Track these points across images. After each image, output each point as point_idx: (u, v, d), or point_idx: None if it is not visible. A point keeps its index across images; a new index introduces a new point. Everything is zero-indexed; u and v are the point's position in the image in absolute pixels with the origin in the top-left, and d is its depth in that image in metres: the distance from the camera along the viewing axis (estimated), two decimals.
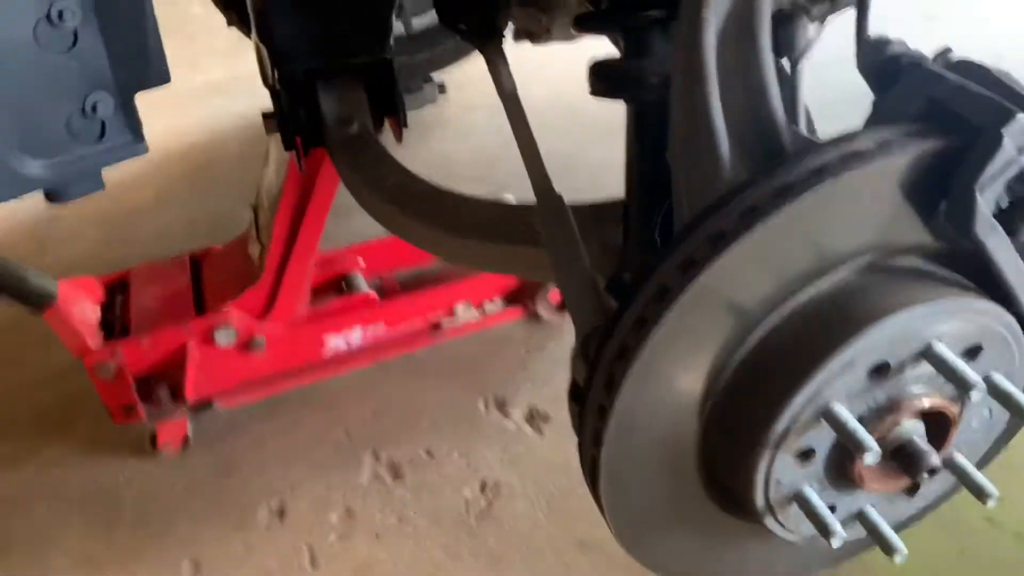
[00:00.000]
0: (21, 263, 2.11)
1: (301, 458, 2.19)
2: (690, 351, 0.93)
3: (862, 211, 0.90)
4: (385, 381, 2.40)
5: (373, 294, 2.43)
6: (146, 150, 1.11)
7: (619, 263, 1.37)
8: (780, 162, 0.91)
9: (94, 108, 1.05)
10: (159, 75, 1.08)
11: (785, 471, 0.97)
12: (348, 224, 3.14)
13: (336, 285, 2.52)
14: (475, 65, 2.75)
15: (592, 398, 0.98)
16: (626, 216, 1.34)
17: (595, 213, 1.39)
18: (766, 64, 0.99)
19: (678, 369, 0.94)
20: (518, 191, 3.25)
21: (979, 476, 1.00)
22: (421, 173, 1.54)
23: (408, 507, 2.04)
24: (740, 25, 0.99)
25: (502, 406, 2.29)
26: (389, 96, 1.46)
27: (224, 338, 2.22)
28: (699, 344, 0.93)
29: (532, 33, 1.92)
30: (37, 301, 2.13)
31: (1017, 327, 0.98)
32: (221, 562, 1.96)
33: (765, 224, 0.87)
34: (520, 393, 2.32)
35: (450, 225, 1.38)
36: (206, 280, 2.42)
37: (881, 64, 1.00)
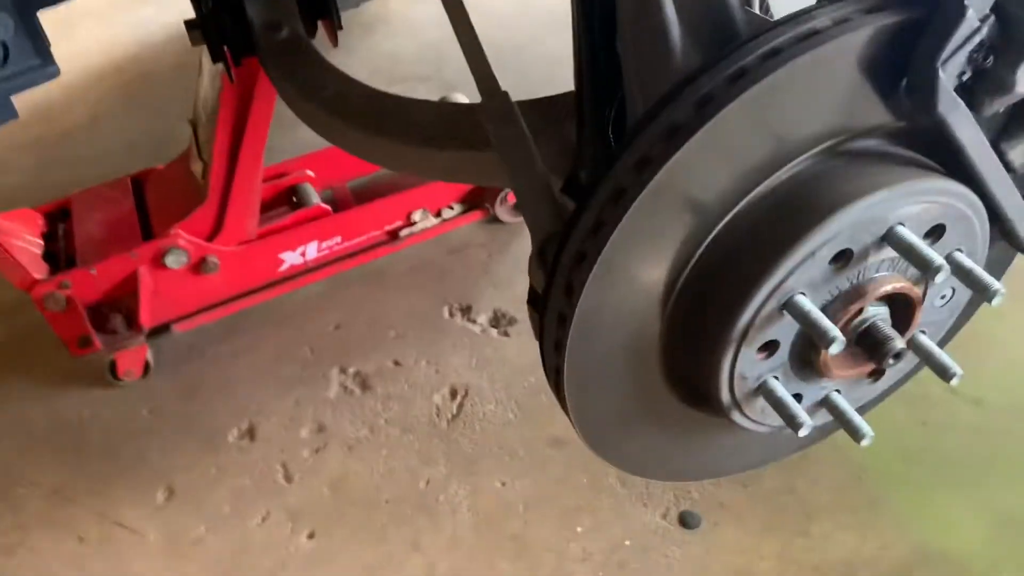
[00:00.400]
0: None
1: (267, 377, 2.17)
2: (649, 253, 0.90)
3: (821, 94, 0.86)
4: (346, 293, 2.36)
5: (326, 207, 2.36)
6: (57, 73, 1.03)
7: (575, 161, 1.32)
8: (734, 47, 0.86)
9: None
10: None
11: (750, 365, 0.96)
12: (294, 134, 3.03)
13: (287, 198, 2.44)
14: None
15: (552, 306, 0.96)
16: (579, 110, 1.28)
17: (546, 109, 1.33)
18: None
19: (638, 272, 0.91)
20: (469, 89, 3.14)
21: (943, 356, 0.99)
22: (364, 75, 1.46)
23: (379, 417, 2.04)
24: None
25: (467, 311, 2.27)
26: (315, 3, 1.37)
27: (175, 261, 2.16)
28: (658, 245, 0.90)
29: None
30: None
31: (979, 203, 0.96)
32: (195, 485, 1.96)
33: (721, 114, 0.83)
34: (484, 297, 2.30)
35: (395, 133, 1.31)
36: (150, 202, 2.33)
37: None
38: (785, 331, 0.94)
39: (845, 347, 0.94)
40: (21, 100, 1.11)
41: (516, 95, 1.25)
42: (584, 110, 1.26)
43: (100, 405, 2.15)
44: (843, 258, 0.91)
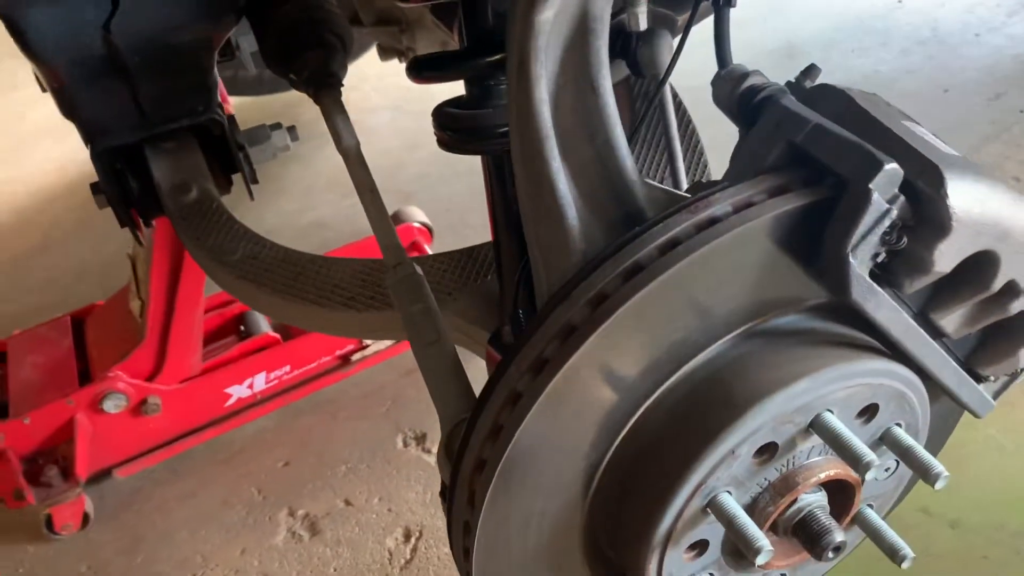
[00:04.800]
0: None
1: (212, 523, 2.05)
2: (554, 455, 0.82)
3: (724, 282, 0.80)
4: (296, 425, 2.26)
5: (275, 335, 2.28)
6: None
7: (499, 315, 1.26)
8: (630, 236, 0.80)
9: None
10: None
11: (678, 566, 0.87)
12: (260, 224, 3.00)
13: (234, 327, 2.37)
14: (370, 64, 2.57)
15: (456, 511, 0.87)
16: (498, 264, 1.22)
17: (466, 262, 1.27)
18: (609, 115, 0.87)
19: (542, 477, 0.83)
20: (423, 198, 3.13)
21: (891, 534, 0.91)
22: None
23: (328, 566, 1.92)
24: (577, 76, 0.87)
25: (421, 440, 2.18)
26: (227, 155, 1.31)
27: (113, 406, 2.07)
28: (565, 445, 0.82)
29: (398, 51, 1.78)
30: None
31: (914, 377, 0.89)
32: None
33: (616, 315, 0.76)
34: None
35: (310, 295, 1.25)
36: (90, 341, 2.25)
37: (738, 99, 0.89)
38: (714, 529, 0.86)
39: (780, 541, 0.86)
40: None
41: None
42: (502, 264, 1.20)
43: (35, 562, 2.03)
44: (768, 451, 0.83)
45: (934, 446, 1.07)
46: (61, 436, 2.07)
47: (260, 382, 2.25)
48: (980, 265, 0.82)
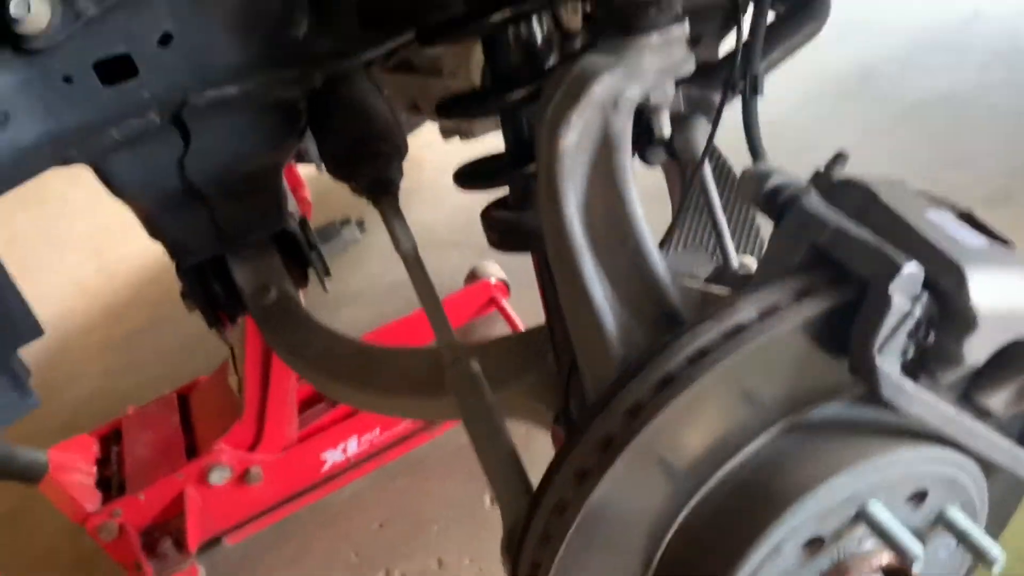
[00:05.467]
0: (7, 442, 2.11)
1: None
2: (605, 560, 0.86)
3: (758, 383, 0.83)
4: (389, 486, 2.35)
5: None
6: (36, 404, 1.08)
7: (564, 393, 1.30)
8: (658, 347, 0.83)
9: None
10: (30, 330, 1.04)
11: None
12: (338, 316, 3.14)
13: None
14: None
15: None
16: (555, 350, 1.27)
17: (526, 345, 1.32)
18: (637, 222, 0.92)
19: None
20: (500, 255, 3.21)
21: None
22: None
23: None
24: (605, 188, 0.91)
25: None
26: (302, 255, 1.41)
27: (219, 477, 2.20)
28: (614, 551, 0.86)
29: (460, 131, 1.86)
30: (30, 476, 2.14)
31: (964, 459, 0.89)
32: None
33: (652, 423, 0.80)
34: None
35: (383, 385, 1.33)
36: (195, 417, 2.40)
37: (763, 199, 0.92)
38: None
39: None
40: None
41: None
42: (558, 351, 1.25)
43: None
44: (816, 543, 0.85)
45: (1001, 517, 1.06)
46: (174, 509, 2.21)
47: (353, 446, 2.35)
48: (1018, 350, 0.82)
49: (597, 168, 0.91)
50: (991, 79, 3.28)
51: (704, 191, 1.22)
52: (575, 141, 0.89)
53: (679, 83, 1.10)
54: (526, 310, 2.65)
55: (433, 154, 3.65)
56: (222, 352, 2.55)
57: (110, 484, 2.27)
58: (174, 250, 1.28)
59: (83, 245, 3.99)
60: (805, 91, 3.31)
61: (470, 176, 1.15)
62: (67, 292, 3.77)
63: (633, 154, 0.98)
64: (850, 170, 0.92)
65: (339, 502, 2.34)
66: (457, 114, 1.17)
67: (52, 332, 3.54)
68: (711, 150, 1.33)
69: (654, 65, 0.89)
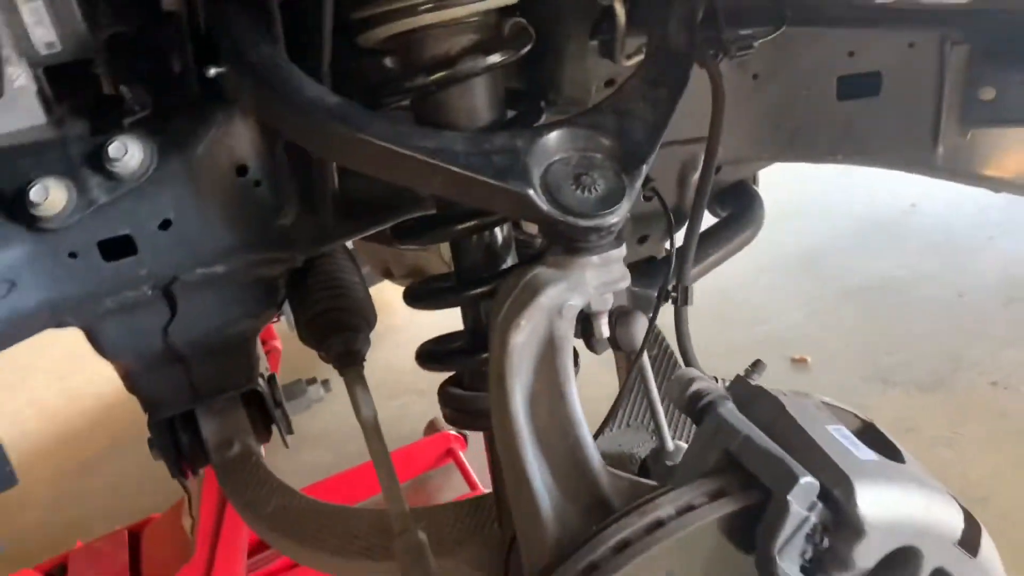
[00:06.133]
0: None
1: None
2: None
3: (675, 571, 0.91)
4: None
5: None
6: (15, 483, 1.14)
7: (504, 566, 1.37)
8: (588, 536, 0.92)
9: None
10: (4, 480, 1.11)
11: None
12: (297, 458, 3.16)
13: None
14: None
15: None
16: (498, 519, 1.35)
17: (472, 512, 1.40)
18: (575, 417, 1.02)
19: None
20: None
21: None
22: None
23: None
24: (549, 384, 1.02)
25: None
26: (267, 414, 1.50)
27: None
28: None
29: None
30: None
31: None
32: None
33: None
34: None
35: (332, 547, 1.38)
36: (145, 557, 2.40)
37: (685, 402, 1.04)
38: None
39: None
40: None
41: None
42: (503, 523, 1.33)
43: None
44: None
45: None
46: None
47: None
48: (906, 556, 0.92)
49: (542, 367, 1.03)
50: (926, 268, 3.53)
51: (643, 379, 1.34)
52: (523, 341, 1.01)
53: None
54: (483, 464, 2.71)
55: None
56: (176, 487, 2.57)
57: None
58: (148, 404, 1.36)
59: (49, 368, 4.01)
60: (758, 266, 3.53)
61: (428, 358, 1.28)
62: (26, 414, 3.77)
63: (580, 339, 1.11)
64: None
65: None
66: (423, 305, 1.29)
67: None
68: (655, 337, 1.46)
69: (595, 280, 1.01)
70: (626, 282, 1.05)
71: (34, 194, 1.03)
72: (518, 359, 1.01)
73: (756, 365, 1.09)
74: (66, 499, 3.17)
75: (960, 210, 3.94)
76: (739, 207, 1.63)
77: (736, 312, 3.17)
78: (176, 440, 1.48)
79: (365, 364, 1.39)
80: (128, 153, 1.06)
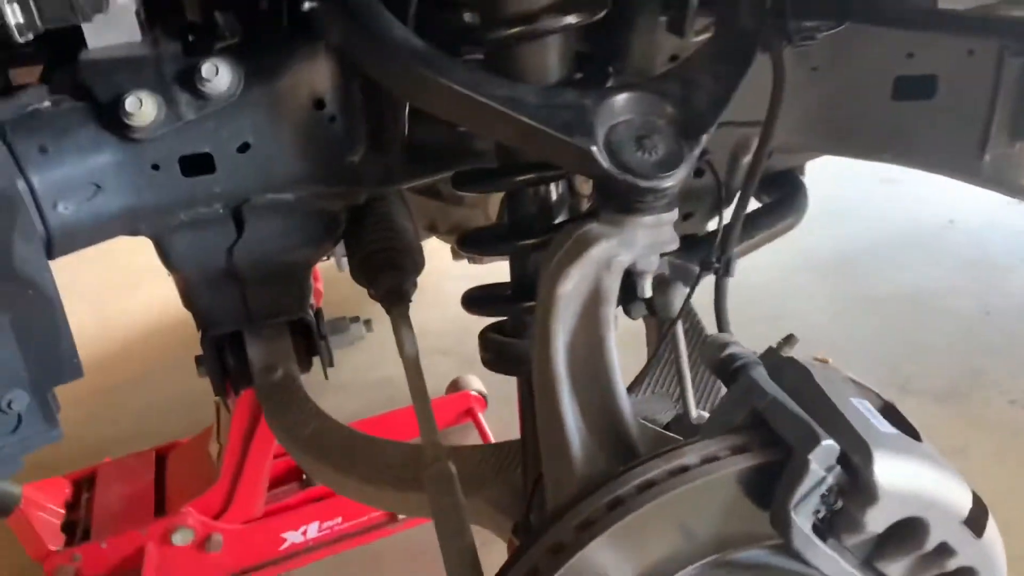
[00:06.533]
0: None
1: None
2: None
3: (692, 520, 0.97)
4: (343, 573, 2.42)
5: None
6: (60, 436, 1.20)
7: (525, 506, 1.43)
8: (614, 474, 0.98)
9: (10, 404, 1.15)
10: (72, 371, 1.18)
11: None
12: (323, 401, 3.25)
13: (297, 474, 2.58)
14: None
15: None
16: (524, 463, 1.41)
17: (497, 456, 1.46)
18: (611, 366, 1.08)
19: None
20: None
21: None
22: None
23: None
24: (589, 332, 1.08)
25: None
26: (311, 343, 1.57)
27: (182, 539, 2.27)
28: None
29: (470, 257, 2.05)
30: (1, 507, 2.21)
31: None
32: None
33: (598, 539, 0.94)
34: None
35: (365, 474, 1.46)
36: (169, 477, 2.49)
37: (719, 363, 1.09)
38: None
39: None
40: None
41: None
42: (527, 465, 1.39)
43: None
44: None
45: None
46: (132, 563, 2.27)
47: (313, 530, 2.44)
48: (913, 527, 0.98)
49: (585, 316, 1.08)
50: (957, 284, 3.54)
51: (675, 348, 1.39)
52: (570, 291, 1.07)
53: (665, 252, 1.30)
54: (498, 426, 2.79)
55: (439, 262, 3.87)
56: (202, 417, 2.66)
57: (75, 529, 2.34)
58: (202, 319, 1.43)
59: (86, 295, 4.12)
60: (784, 265, 3.56)
61: (476, 301, 1.33)
62: None
63: (618, 307, 1.16)
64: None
65: None
66: (475, 250, 1.35)
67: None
68: (687, 311, 1.51)
69: (644, 240, 1.07)
70: (675, 245, 1.11)
71: (129, 104, 1.10)
72: (564, 306, 1.07)
73: (789, 339, 1.14)
74: (97, 419, 3.27)
75: (997, 231, 3.95)
76: (784, 195, 1.67)
77: (762, 307, 3.21)
78: (223, 360, 1.55)
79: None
80: (219, 74, 1.12)
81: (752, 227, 1.55)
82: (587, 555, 0.94)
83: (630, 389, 1.50)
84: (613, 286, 1.08)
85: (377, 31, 1.04)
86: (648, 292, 1.15)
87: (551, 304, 1.07)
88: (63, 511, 2.38)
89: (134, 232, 1.23)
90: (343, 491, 1.53)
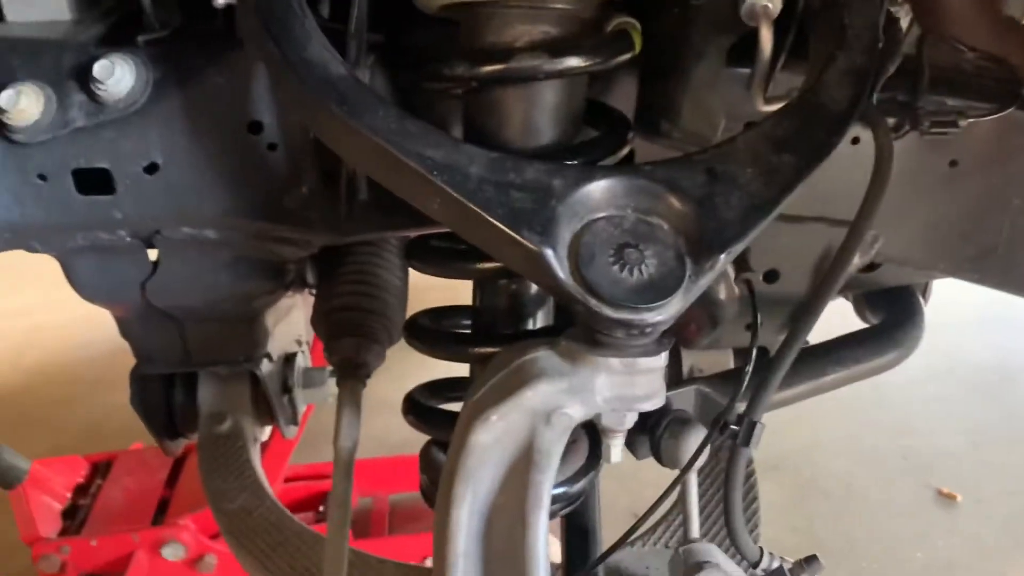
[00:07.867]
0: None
1: None
2: None
3: None
4: None
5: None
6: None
7: None
8: None
9: None
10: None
11: None
12: (370, 424, 3.03)
13: (316, 503, 2.37)
14: None
15: None
16: None
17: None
18: (535, 554, 0.76)
19: None
20: None
21: None
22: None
23: None
24: (513, 504, 0.77)
25: None
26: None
27: (171, 554, 2.11)
28: None
29: None
30: (5, 480, 2.13)
31: None
32: None
33: None
34: None
35: (280, 571, 1.20)
36: (183, 479, 2.34)
37: None
38: None
39: None
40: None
41: None
42: None
43: None
44: None
45: None
46: (120, 565, 2.13)
47: None
48: None
49: (511, 477, 0.77)
50: None
51: (683, 502, 1.04)
52: (490, 441, 0.76)
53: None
54: None
55: (438, 293, 3.58)
56: None
57: (76, 515, 2.23)
58: (136, 353, 1.22)
59: None
60: (927, 370, 2.98)
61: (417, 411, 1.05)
62: (103, 317, 3.85)
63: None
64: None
65: None
66: (425, 350, 1.04)
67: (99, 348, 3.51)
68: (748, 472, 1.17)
69: (607, 390, 0.74)
70: (658, 401, 0.77)
71: (3, 98, 0.88)
72: (477, 461, 0.76)
73: (811, 561, 0.78)
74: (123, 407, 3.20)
75: None
76: (892, 319, 1.26)
77: (884, 416, 2.70)
78: (169, 397, 1.34)
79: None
80: (114, 76, 0.88)
81: (830, 361, 1.15)
82: None
83: (627, 534, 1.16)
84: (551, 448, 0.76)
85: (286, 44, 0.77)
86: (615, 457, 0.82)
87: (461, 454, 0.76)
88: (69, 494, 2.27)
89: (28, 248, 1.02)
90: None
